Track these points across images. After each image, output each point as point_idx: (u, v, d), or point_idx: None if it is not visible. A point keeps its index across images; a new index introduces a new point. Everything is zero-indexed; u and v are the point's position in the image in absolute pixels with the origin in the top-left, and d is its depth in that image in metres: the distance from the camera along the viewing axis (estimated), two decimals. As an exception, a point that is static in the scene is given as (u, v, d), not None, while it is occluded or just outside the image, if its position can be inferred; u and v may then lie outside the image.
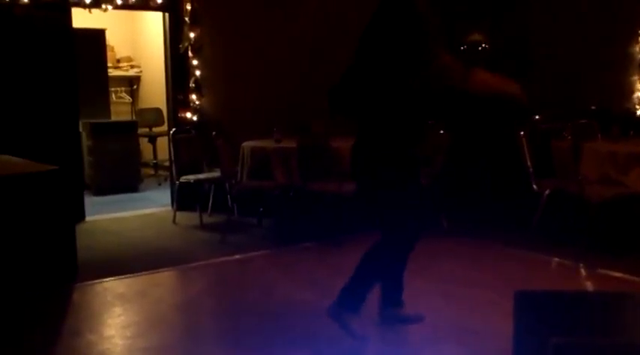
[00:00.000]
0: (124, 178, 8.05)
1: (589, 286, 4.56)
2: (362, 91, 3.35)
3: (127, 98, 9.87)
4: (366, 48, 3.32)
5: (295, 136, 5.72)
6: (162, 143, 8.50)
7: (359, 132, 3.45)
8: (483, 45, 7.82)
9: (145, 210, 7.07)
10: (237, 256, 5.34)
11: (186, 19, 6.75)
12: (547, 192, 5.40)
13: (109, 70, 9.05)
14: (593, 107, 6.39)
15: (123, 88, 9.84)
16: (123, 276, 4.79)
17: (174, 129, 6.67)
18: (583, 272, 4.77)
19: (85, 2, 6.19)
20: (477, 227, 6.05)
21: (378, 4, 3.32)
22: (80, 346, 3.64)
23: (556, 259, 5.04)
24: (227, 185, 6.25)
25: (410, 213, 3.44)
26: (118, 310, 4.22)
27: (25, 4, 5.92)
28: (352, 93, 3.40)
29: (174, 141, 6.51)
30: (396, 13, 3.23)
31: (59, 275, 4.57)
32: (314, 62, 7.08)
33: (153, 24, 8.43)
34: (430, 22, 3.30)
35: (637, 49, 6.43)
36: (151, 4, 6.62)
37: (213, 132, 6.14)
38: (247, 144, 6.02)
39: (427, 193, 3.55)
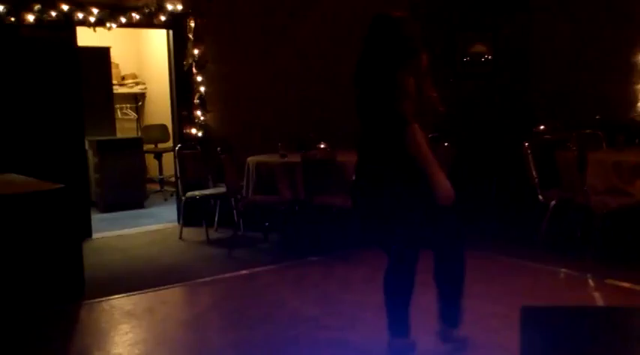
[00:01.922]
0: (130, 195, 8.07)
1: (597, 297, 4.54)
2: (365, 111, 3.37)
3: (132, 115, 9.92)
4: (361, 73, 3.37)
5: (300, 151, 5.74)
6: (168, 159, 8.54)
7: (361, 150, 3.43)
8: (486, 56, 7.85)
9: (151, 227, 7.09)
10: (243, 271, 5.34)
11: (190, 36, 6.79)
12: (553, 202, 5.39)
13: (114, 87, 9.11)
14: (597, 117, 6.39)
15: (128, 105, 9.89)
16: (130, 293, 4.80)
17: (179, 145, 6.70)
18: (591, 283, 4.75)
19: (89, 21, 6.24)
20: (482, 239, 6.03)
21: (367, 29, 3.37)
22: (88, 364, 3.64)
23: (563, 270, 5.01)
24: (232, 200, 6.26)
25: (416, 228, 3.35)
26: (125, 327, 4.23)
27: (31, 24, 5.98)
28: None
29: (180, 157, 6.54)
30: (383, 35, 3.30)
31: (66, 292, 4.58)
32: (318, 77, 7.12)
33: (157, 41, 8.49)
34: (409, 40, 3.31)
35: (640, 57, 6.44)
36: (155, 21, 6.67)
37: (218, 148, 6.17)
38: (252, 160, 6.04)
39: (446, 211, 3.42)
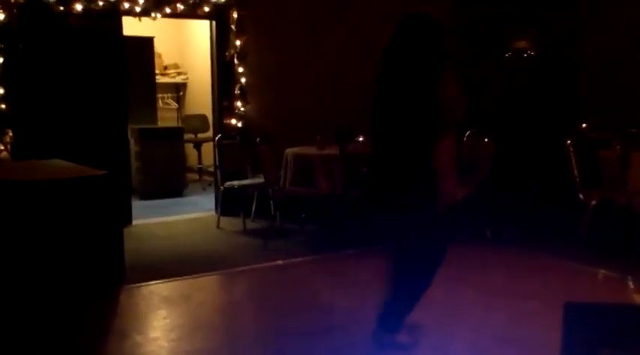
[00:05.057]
0: (170, 183, 8.18)
1: (636, 299, 4.47)
2: (390, 110, 3.37)
3: (174, 104, 10.04)
4: (390, 68, 3.41)
5: (338, 143, 5.75)
6: (207, 149, 8.63)
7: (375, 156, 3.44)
8: (528, 52, 7.74)
9: (189, 215, 7.18)
10: (279, 261, 5.39)
11: (233, 27, 6.85)
12: (594, 202, 5.30)
13: (157, 77, 9.23)
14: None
15: (169, 95, 10.02)
16: (168, 280, 4.88)
17: (219, 135, 6.77)
18: (630, 284, 4.67)
19: (135, 11, 6.34)
20: (521, 237, 5.97)
21: (395, 26, 3.40)
22: (127, 347, 3.73)
23: (602, 271, 4.94)
24: (270, 191, 6.31)
25: (438, 232, 3.39)
26: (163, 312, 4.31)
27: (79, 13, 6.10)
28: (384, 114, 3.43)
29: (219, 147, 6.61)
30: (414, 32, 3.31)
31: (107, 277, 4.69)
32: (359, 69, 7.08)
33: (199, 32, 8.57)
34: (444, 42, 3.31)
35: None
36: (199, 12, 6.74)
37: (258, 139, 6.22)
38: (290, 151, 6.07)
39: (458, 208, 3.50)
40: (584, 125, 6.21)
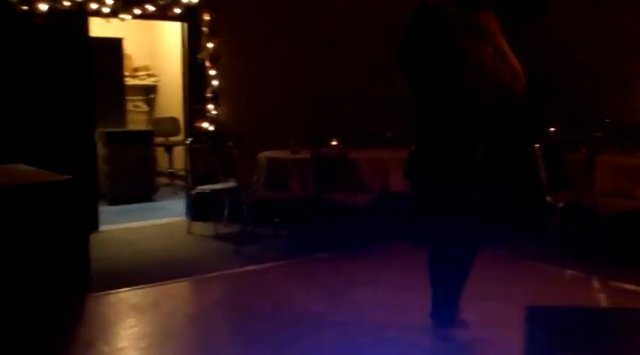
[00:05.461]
0: (140, 188, 8.07)
1: (602, 298, 4.51)
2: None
3: (144, 107, 9.91)
4: (409, 58, 3.53)
5: (311, 147, 5.71)
6: (179, 152, 8.53)
7: (418, 136, 3.64)
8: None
9: (160, 220, 7.09)
10: (251, 267, 5.34)
11: (205, 29, 6.77)
12: (561, 204, 5.37)
13: (126, 79, 9.11)
14: (607, 120, 6.34)
15: (140, 97, 9.89)
16: (137, 287, 4.80)
17: (190, 139, 6.69)
18: (596, 284, 4.71)
19: (103, 12, 6.23)
20: (490, 239, 5.98)
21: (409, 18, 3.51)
22: (93, 357, 3.64)
23: (569, 271, 5.00)
24: (243, 195, 6.24)
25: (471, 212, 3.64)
26: (131, 321, 4.23)
27: (44, 13, 5.97)
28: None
29: (191, 150, 6.53)
30: (429, 22, 3.46)
31: (72, 285, 4.59)
32: (332, 74, 7.08)
33: (171, 33, 8.48)
34: (460, 21, 3.50)
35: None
36: (169, 14, 6.66)
37: (230, 143, 6.15)
38: (263, 155, 6.03)
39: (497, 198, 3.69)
40: (551, 129, 6.27)
